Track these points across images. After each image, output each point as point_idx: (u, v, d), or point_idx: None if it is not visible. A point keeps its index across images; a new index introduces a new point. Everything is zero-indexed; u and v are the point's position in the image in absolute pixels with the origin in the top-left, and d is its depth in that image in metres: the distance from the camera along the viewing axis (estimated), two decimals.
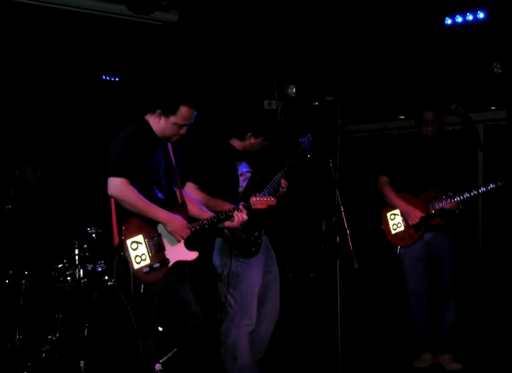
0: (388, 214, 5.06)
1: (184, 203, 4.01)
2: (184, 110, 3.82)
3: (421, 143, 5.05)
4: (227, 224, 4.13)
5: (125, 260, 3.64)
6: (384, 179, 5.09)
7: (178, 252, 3.88)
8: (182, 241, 3.90)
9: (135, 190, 3.70)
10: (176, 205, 3.94)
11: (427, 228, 4.93)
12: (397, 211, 5.02)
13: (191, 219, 3.99)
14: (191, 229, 3.92)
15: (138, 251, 3.69)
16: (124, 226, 3.67)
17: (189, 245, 3.94)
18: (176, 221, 3.83)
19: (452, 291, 4.97)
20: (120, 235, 3.65)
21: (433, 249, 4.99)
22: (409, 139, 5.59)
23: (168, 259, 3.80)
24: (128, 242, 3.66)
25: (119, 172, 3.68)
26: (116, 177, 3.68)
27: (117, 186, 3.68)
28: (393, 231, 5.02)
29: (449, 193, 4.84)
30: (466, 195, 4.77)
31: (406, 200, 4.97)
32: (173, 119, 3.83)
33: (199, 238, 4.02)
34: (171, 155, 4.01)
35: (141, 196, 3.71)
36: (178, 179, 4.05)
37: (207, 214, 4.05)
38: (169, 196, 3.94)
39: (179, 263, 3.89)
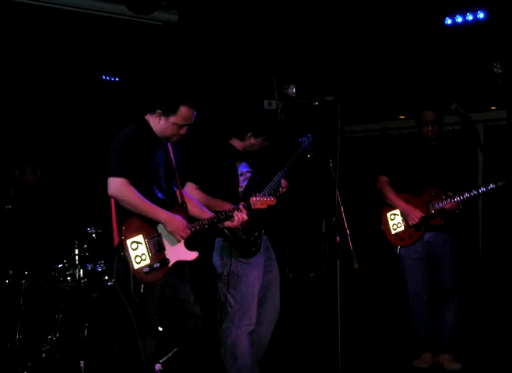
0: (388, 214, 5.06)
1: (184, 203, 4.01)
2: (183, 110, 3.83)
3: (421, 143, 5.04)
4: (227, 224, 4.13)
5: (125, 260, 3.64)
6: (383, 179, 5.09)
7: (178, 252, 3.88)
8: (182, 241, 3.90)
9: (135, 190, 3.70)
10: (176, 205, 3.94)
11: (427, 228, 4.93)
12: (397, 211, 5.02)
13: (191, 219, 3.99)
14: (191, 229, 3.91)
15: (138, 251, 3.69)
16: (124, 226, 3.67)
17: (189, 245, 3.94)
18: (176, 221, 3.83)
19: (452, 291, 4.96)
20: (120, 234, 3.65)
21: (433, 249, 4.99)
22: (409, 139, 5.59)
23: (168, 259, 3.80)
24: (128, 241, 3.66)
25: (119, 172, 3.68)
26: (116, 177, 3.68)
27: (118, 186, 3.68)
28: (393, 231, 5.03)
29: (449, 193, 4.84)
30: (466, 195, 4.77)
31: (406, 200, 4.97)
32: (173, 119, 3.83)
33: (199, 238, 4.02)
34: (171, 155, 4.01)
35: (141, 197, 3.71)
36: (178, 179, 4.05)
37: (207, 214, 4.05)
38: (169, 196, 3.94)
39: (179, 263, 3.89)
